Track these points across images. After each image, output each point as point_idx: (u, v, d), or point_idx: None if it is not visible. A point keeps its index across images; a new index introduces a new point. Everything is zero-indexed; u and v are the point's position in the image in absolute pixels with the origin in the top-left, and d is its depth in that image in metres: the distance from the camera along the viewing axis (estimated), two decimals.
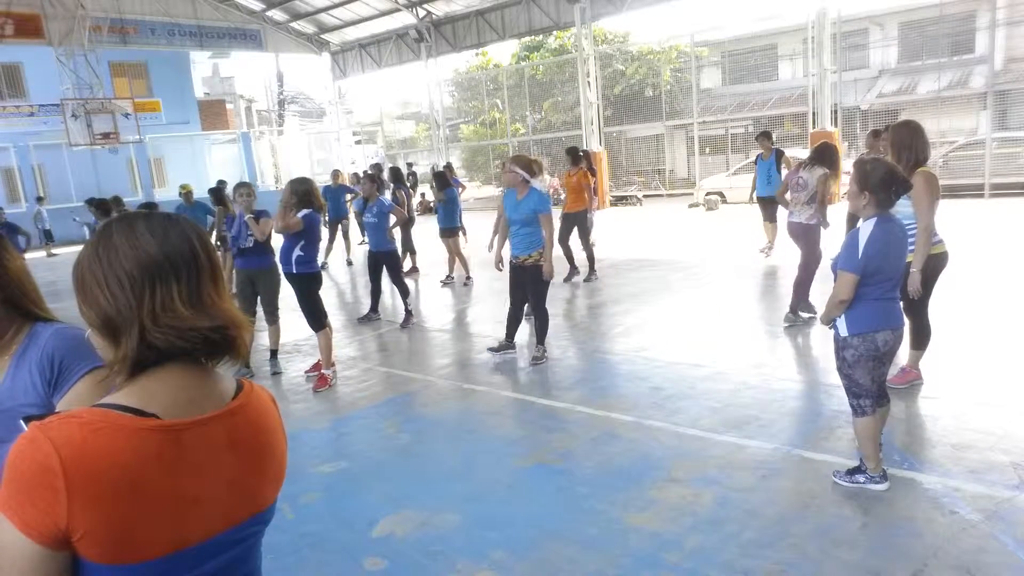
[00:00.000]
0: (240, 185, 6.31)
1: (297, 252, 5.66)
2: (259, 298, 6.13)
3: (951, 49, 19.41)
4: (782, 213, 9.79)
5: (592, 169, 9.76)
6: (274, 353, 6.41)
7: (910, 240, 4.24)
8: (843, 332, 3.25)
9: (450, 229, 9.63)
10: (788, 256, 9.31)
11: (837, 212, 7.52)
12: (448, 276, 9.90)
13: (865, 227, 3.16)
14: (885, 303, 3.21)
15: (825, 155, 5.97)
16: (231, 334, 1.08)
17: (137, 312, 1.02)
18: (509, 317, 6.06)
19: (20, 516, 0.92)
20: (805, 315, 6.17)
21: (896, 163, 4.33)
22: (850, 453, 3.67)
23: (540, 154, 21.14)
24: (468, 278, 9.73)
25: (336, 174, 13.41)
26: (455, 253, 9.69)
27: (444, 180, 9.87)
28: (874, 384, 3.29)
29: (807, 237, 6.05)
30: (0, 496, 0.94)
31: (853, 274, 3.11)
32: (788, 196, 6.17)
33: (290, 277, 5.75)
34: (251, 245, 6.05)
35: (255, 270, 6.10)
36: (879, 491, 3.28)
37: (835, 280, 3.24)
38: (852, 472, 3.39)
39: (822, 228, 6.06)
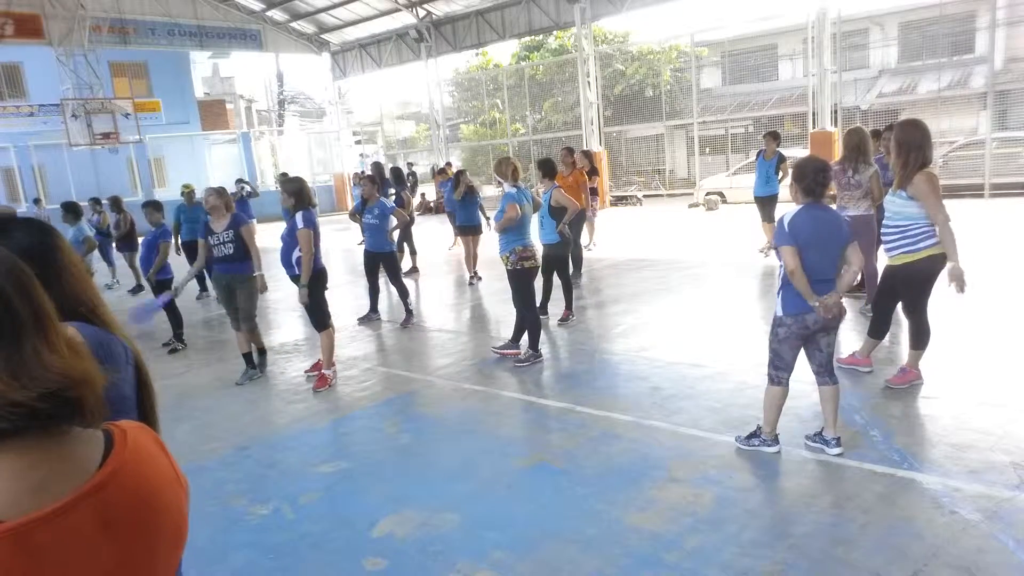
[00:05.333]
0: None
1: (297, 253, 5.59)
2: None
3: (951, 49, 19.40)
4: (781, 214, 9.82)
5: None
6: (246, 356, 6.05)
7: (913, 239, 4.27)
8: (778, 312, 3.63)
9: (472, 227, 9.75)
10: None
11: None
12: (475, 275, 9.84)
13: (789, 212, 3.56)
14: (816, 285, 3.48)
15: (863, 148, 5.81)
16: (69, 396, 0.83)
17: None
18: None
19: None
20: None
21: (902, 163, 4.30)
22: (850, 448, 3.68)
23: (540, 154, 21.13)
24: (475, 274, 9.79)
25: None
26: (472, 250, 9.79)
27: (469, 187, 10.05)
28: (795, 360, 3.67)
29: (868, 227, 5.90)
30: None
31: (788, 246, 3.47)
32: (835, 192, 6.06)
33: (294, 279, 5.71)
34: (231, 252, 5.77)
35: (234, 276, 5.85)
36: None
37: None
38: (750, 436, 3.83)
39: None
